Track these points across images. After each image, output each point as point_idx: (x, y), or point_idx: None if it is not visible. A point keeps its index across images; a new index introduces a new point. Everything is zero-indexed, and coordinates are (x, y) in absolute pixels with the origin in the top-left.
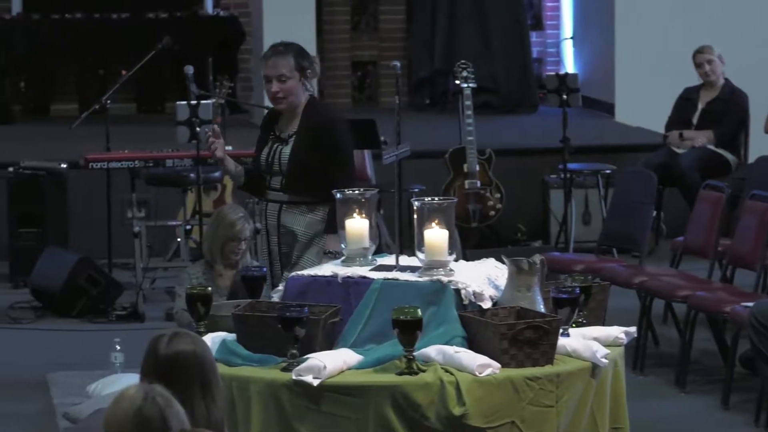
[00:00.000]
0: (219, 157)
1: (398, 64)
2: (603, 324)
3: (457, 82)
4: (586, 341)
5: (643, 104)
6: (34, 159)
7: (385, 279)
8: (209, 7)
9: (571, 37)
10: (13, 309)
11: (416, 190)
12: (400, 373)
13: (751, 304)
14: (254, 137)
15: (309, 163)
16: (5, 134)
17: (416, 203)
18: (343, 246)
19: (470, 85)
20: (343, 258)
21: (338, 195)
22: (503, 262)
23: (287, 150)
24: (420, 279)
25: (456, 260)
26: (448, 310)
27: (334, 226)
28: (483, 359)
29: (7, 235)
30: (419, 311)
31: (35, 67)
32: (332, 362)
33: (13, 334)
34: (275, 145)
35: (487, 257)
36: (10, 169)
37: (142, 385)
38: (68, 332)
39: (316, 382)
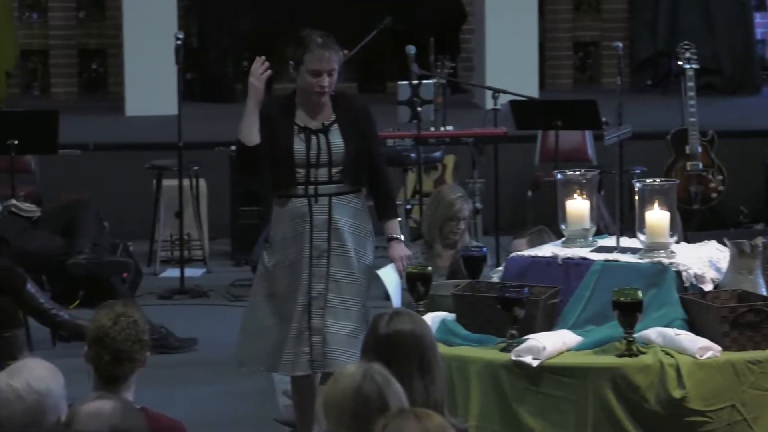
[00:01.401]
0: (260, 87)
1: (620, 44)
2: None
3: (680, 62)
4: None
5: None
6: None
7: (605, 260)
8: None
9: None
10: (234, 286)
11: (637, 171)
12: (620, 355)
13: None
14: (475, 116)
15: (359, 151)
16: (228, 112)
17: (638, 185)
18: (563, 227)
19: (693, 65)
20: (563, 239)
21: (559, 176)
22: (725, 245)
23: (337, 139)
24: (641, 261)
25: (677, 242)
26: (669, 292)
27: (395, 211)
28: (704, 342)
29: (229, 214)
30: (640, 293)
31: (258, 46)
32: (552, 343)
33: (235, 312)
34: (313, 137)
35: (708, 239)
36: (233, 147)
37: (361, 364)
38: None
39: (535, 363)
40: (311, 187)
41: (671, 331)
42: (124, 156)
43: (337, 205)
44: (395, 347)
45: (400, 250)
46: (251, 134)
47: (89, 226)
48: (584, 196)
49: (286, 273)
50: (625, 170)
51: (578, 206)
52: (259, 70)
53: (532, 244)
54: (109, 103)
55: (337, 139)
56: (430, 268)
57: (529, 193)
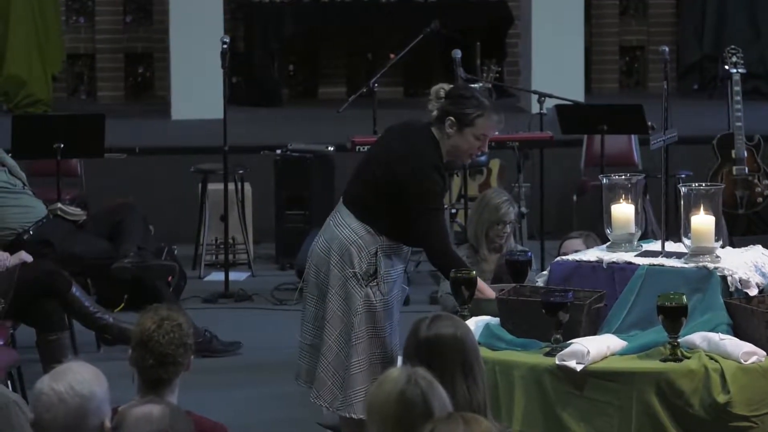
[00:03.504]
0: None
1: (666, 49)
2: None
3: (726, 67)
4: None
5: None
6: (302, 142)
7: (650, 265)
8: None
9: None
10: (278, 290)
11: (683, 175)
12: (665, 360)
13: None
14: (521, 121)
15: None
16: (274, 117)
17: (683, 189)
18: (608, 231)
19: (739, 70)
20: (608, 243)
21: (604, 180)
22: None
23: None
24: (686, 265)
25: (722, 247)
26: (714, 297)
27: None
28: (748, 347)
29: (274, 217)
30: (685, 298)
31: (304, 50)
32: (596, 348)
33: (279, 316)
34: None
35: (754, 244)
36: (278, 151)
37: (405, 368)
38: None
39: (579, 368)
40: None
41: (716, 336)
42: (170, 160)
43: None
44: (436, 350)
45: None
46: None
47: (135, 229)
48: (629, 200)
49: (389, 315)
50: (670, 175)
51: (623, 211)
52: None
53: (588, 245)
54: (155, 106)
55: None
56: (474, 272)
57: (575, 198)
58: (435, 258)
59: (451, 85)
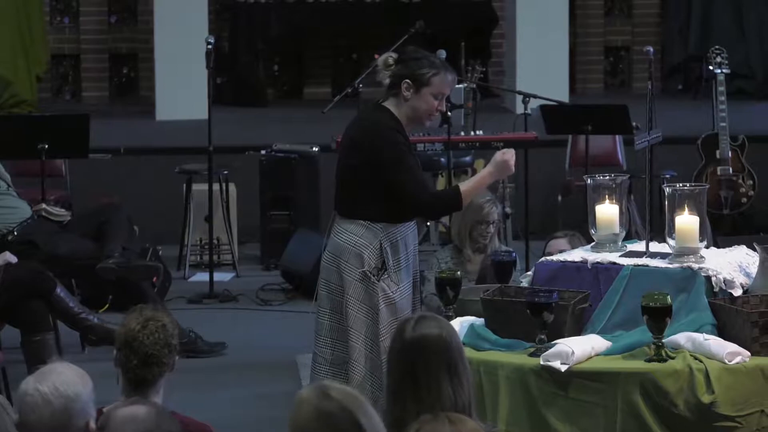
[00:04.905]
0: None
1: (651, 49)
2: None
3: (711, 67)
4: None
5: None
6: (287, 142)
7: (635, 265)
8: None
9: None
10: (263, 291)
11: (668, 176)
12: (649, 360)
13: None
14: (505, 121)
15: None
16: (258, 117)
17: (667, 189)
18: (593, 231)
19: (724, 70)
20: (593, 243)
21: (589, 180)
22: (755, 250)
23: None
24: (670, 266)
25: (707, 247)
26: (698, 297)
27: None
28: (733, 347)
29: (259, 218)
30: (669, 298)
31: (289, 50)
32: (580, 348)
33: (264, 316)
34: None
35: (738, 244)
36: (263, 152)
37: (312, 385)
38: None
39: (563, 368)
40: None
41: (700, 336)
42: (155, 160)
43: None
44: (421, 351)
45: None
46: (468, 202)
47: (119, 230)
48: (614, 200)
49: (407, 304)
50: (655, 175)
51: (608, 211)
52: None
53: (573, 245)
54: (140, 107)
55: None
56: (459, 272)
57: (560, 198)
58: (427, 212)
59: (398, 53)
